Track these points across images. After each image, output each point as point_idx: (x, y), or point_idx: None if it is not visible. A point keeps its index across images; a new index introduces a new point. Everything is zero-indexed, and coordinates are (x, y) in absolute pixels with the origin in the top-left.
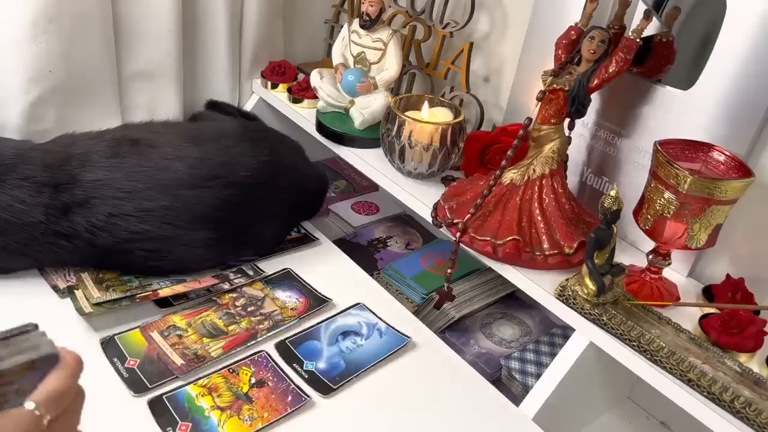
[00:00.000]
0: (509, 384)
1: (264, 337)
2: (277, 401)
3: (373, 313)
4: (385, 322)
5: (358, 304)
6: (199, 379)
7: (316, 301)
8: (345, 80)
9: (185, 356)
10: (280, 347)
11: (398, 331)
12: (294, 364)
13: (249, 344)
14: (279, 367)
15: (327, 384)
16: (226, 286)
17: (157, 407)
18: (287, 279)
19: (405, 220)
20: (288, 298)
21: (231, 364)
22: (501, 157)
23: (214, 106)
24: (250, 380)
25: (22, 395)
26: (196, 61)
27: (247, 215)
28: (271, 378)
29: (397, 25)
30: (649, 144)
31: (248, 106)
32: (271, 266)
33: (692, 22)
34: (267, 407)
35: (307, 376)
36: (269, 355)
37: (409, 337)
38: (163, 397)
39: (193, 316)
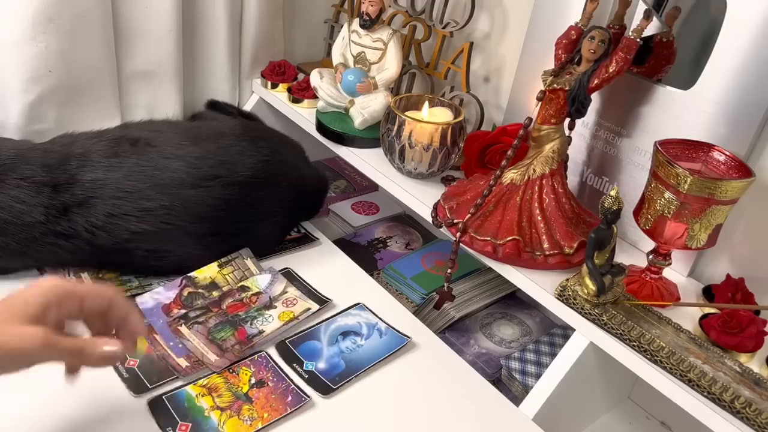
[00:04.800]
0: (509, 384)
1: None
2: (277, 401)
3: (373, 313)
4: (385, 322)
5: (358, 304)
6: (199, 379)
7: (316, 301)
8: (345, 80)
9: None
10: (280, 347)
11: (398, 332)
12: (294, 364)
13: None
14: (279, 367)
15: (327, 384)
16: None
17: (157, 407)
18: (287, 279)
19: (405, 220)
20: None
21: (231, 365)
22: (501, 157)
23: (214, 106)
24: (250, 380)
25: None
26: (196, 61)
27: (247, 215)
28: (271, 378)
29: (397, 25)
30: (649, 144)
31: (248, 106)
32: (271, 266)
33: (692, 22)
34: (267, 407)
35: (307, 376)
36: (269, 355)
37: (409, 338)
38: (163, 397)
39: None
